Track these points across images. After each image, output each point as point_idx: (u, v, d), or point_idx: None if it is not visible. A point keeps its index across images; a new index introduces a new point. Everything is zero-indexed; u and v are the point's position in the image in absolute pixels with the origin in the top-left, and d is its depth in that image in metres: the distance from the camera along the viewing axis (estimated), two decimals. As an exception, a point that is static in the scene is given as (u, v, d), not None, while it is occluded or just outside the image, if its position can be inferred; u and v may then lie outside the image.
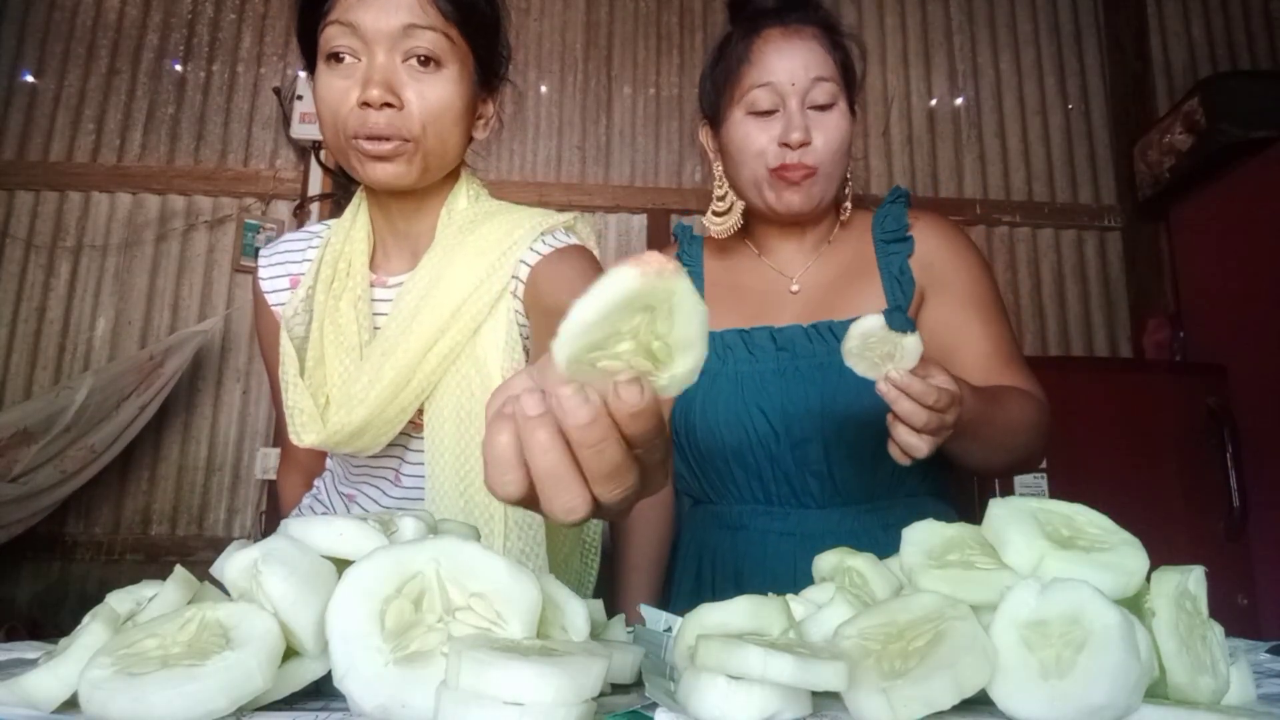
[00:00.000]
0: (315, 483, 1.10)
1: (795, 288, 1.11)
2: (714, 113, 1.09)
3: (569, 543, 0.99)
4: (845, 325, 0.99)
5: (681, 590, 1.13)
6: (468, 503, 0.87)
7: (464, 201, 0.94)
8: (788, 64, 1.01)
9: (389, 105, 0.82)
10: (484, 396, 0.86)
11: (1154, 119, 2.98)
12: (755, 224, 1.15)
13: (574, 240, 0.94)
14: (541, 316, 0.89)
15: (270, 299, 0.99)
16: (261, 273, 1.01)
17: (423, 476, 0.90)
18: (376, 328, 0.91)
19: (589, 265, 0.92)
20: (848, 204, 1.13)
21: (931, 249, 1.07)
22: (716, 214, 1.10)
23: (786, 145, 1.00)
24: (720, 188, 1.11)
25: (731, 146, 1.06)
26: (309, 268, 0.95)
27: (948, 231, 1.10)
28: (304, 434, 0.87)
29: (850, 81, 1.07)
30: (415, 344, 0.86)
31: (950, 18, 3.25)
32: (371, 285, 0.94)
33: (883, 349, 0.76)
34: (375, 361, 0.86)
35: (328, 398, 0.88)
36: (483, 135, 0.95)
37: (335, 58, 0.84)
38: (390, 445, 0.91)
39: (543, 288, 0.89)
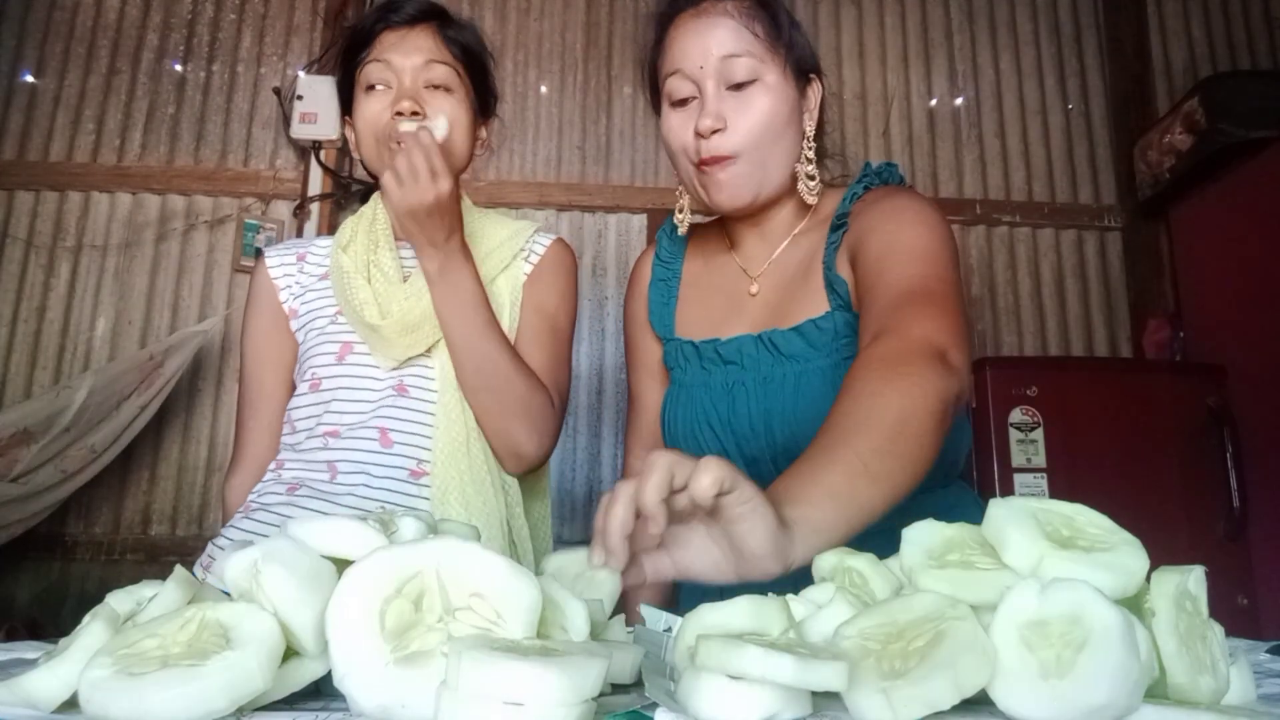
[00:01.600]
0: (279, 458, 1.11)
1: (754, 289, 1.06)
2: (656, 109, 1.05)
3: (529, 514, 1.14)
4: (787, 335, 0.98)
5: (685, 591, 1.13)
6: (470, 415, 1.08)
7: (468, 199, 1.20)
8: (695, 46, 0.95)
9: (416, 114, 1.06)
10: None
11: (1154, 119, 2.98)
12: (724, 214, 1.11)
13: (555, 236, 1.25)
14: (533, 296, 1.17)
15: (273, 272, 1.17)
16: (269, 255, 1.19)
17: (429, 390, 1.08)
18: (405, 272, 1.12)
19: (571, 262, 1.23)
20: (807, 185, 0.99)
21: (862, 223, 0.95)
22: (679, 210, 1.09)
23: (700, 135, 0.94)
24: (679, 182, 1.08)
25: (664, 141, 1.02)
26: (345, 228, 1.15)
27: (885, 199, 0.97)
28: (375, 318, 1.05)
29: (790, 48, 0.97)
30: None
31: (950, 18, 3.25)
32: (396, 244, 1.14)
33: (573, 573, 0.61)
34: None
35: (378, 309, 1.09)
36: (480, 155, 1.19)
37: (372, 88, 1.09)
38: (398, 367, 1.09)
39: (544, 278, 1.18)
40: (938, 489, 1.00)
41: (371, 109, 1.09)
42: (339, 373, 1.08)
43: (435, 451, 1.05)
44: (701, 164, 0.96)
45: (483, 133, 1.19)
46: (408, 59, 1.08)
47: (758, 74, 0.95)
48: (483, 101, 1.17)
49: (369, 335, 1.06)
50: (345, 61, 1.14)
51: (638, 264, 1.23)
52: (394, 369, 1.08)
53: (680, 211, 1.09)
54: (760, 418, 0.97)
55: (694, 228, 1.17)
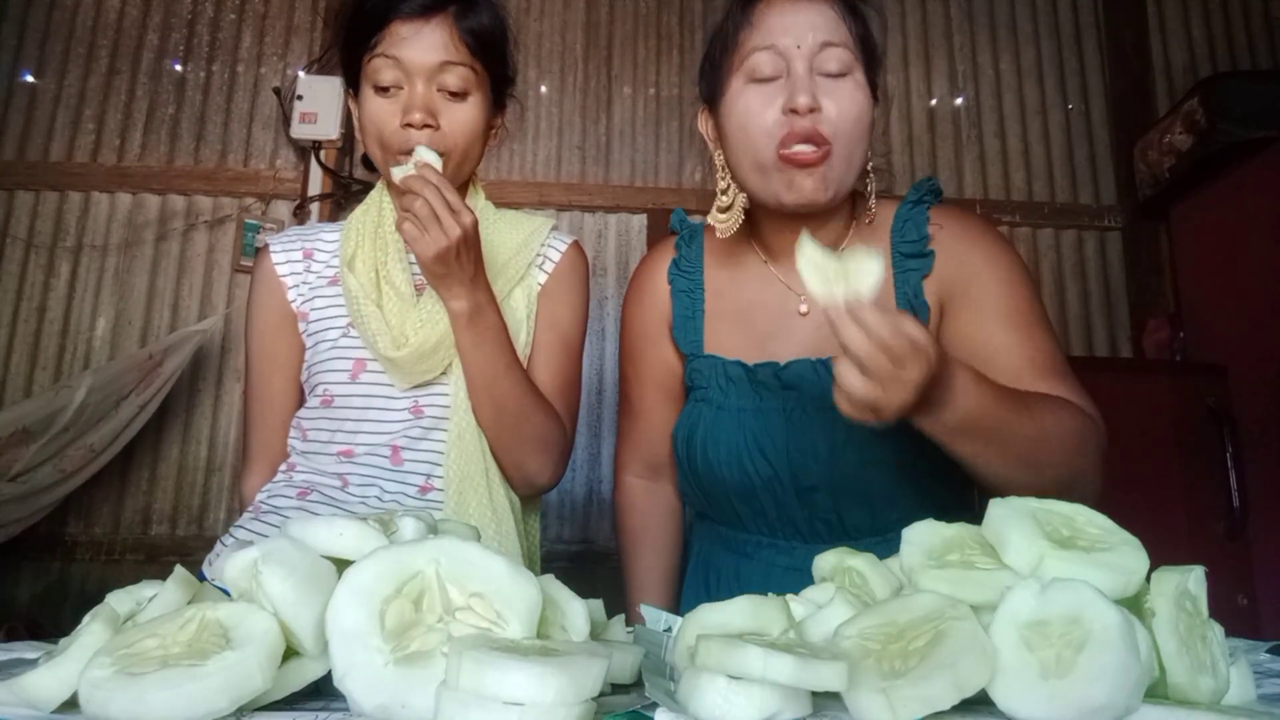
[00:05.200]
0: (290, 461, 1.09)
1: (804, 308, 0.99)
2: (712, 91, 0.98)
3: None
4: None
5: (693, 602, 1.10)
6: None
7: (481, 196, 1.16)
8: (793, 25, 0.90)
9: (428, 126, 1.00)
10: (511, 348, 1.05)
11: (1154, 119, 2.98)
12: (761, 220, 1.03)
13: (574, 238, 1.19)
14: (548, 310, 1.13)
15: (280, 269, 1.12)
16: (274, 248, 1.14)
17: (443, 408, 1.04)
18: (416, 282, 1.07)
19: (585, 271, 1.19)
20: (872, 203, 0.98)
21: (954, 262, 0.95)
22: (720, 210, 1.00)
23: (794, 111, 0.88)
24: (723, 179, 1.00)
25: (731, 123, 0.94)
26: (343, 235, 1.10)
27: (974, 236, 0.96)
28: (390, 350, 1.01)
29: (870, 57, 0.94)
30: None
31: (950, 18, 3.25)
32: (406, 251, 1.09)
33: (842, 265, 0.66)
34: (437, 298, 1.03)
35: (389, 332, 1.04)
36: (494, 144, 1.14)
37: (383, 89, 1.01)
38: (414, 387, 1.06)
39: (559, 291, 1.14)
40: (891, 538, 0.98)
41: (380, 112, 1.02)
42: (353, 392, 1.05)
43: (449, 471, 1.02)
44: (793, 152, 0.89)
45: (497, 121, 1.12)
46: (421, 57, 1.00)
47: (849, 68, 0.91)
48: (499, 91, 1.10)
49: (385, 362, 1.03)
50: (350, 42, 1.05)
51: (645, 271, 1.14)
52: (409, 389, 1.05)
53: (724, 211, 0.99)
54: (825, 446, 0.94)
55: (709, 237, 1.10)
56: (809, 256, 0.67)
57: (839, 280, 0.65)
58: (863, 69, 0.92)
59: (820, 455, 0.94)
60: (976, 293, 0.93)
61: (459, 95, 1.02)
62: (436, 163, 0.96)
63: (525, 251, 1.12)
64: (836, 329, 0.66)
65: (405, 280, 1.05)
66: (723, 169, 1.00)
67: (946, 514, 0.94)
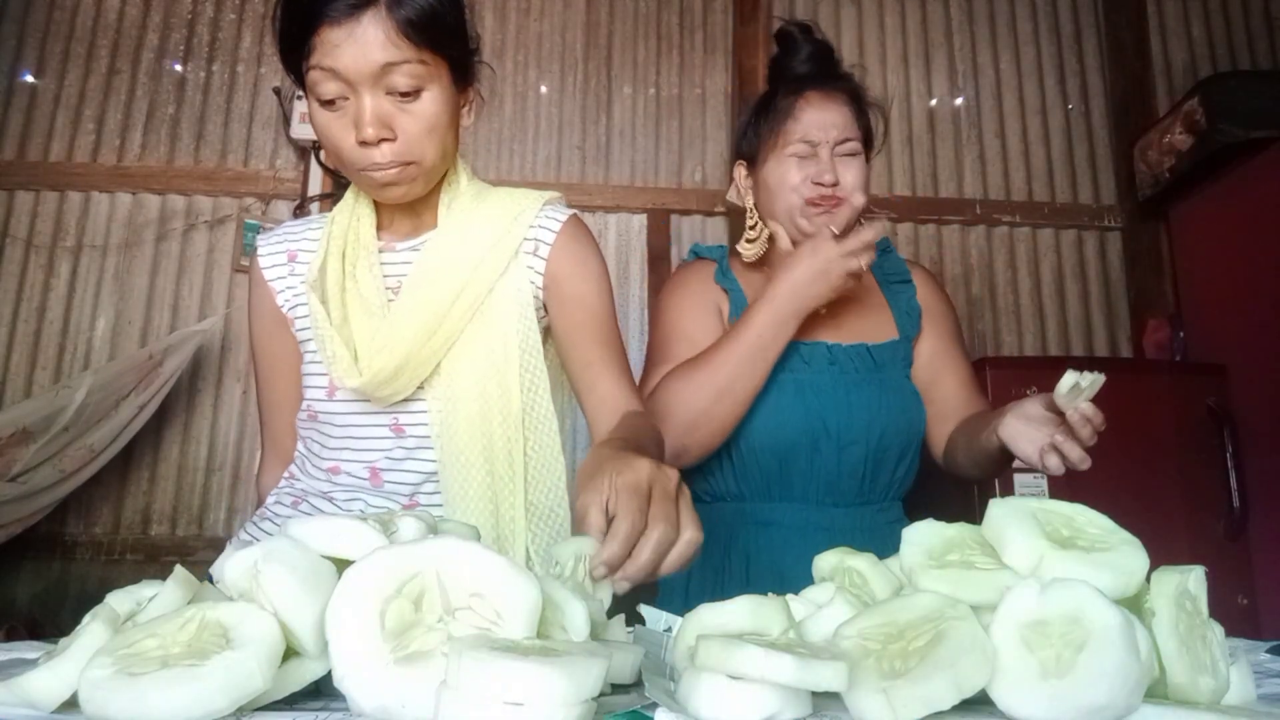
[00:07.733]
0: (291, 469, 1.10)
1: (823, 310, 1.30)
2: (753, 154, 1.35)
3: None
4: (879, 348, 1.31)
5: (705, 578, 1.24)
6: (488, 442, 0.99)
7: (464, 177, 1.06)
8: (824, 123, 1.29)
9: (385, 139, 0.91)
10: (498, 353, 1.00)
11: (1154, 119, 2.98)
12: (775, 258, 1.36)
13: (571, 210, 1.09)
14: (570, 296, 1.05)
15: (267, 274, 1.08)
16: (261, 250, 1.10)
17: (423, 425, 1.00)
18: (388, 288, 1.01)
19: (591, 240, 1.09)
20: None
21: (925, 293, 1.41)
22: (749, 240, 1.35)
23: (820, 184, 1.27)
24: (752, 217, 1.36)
25: (771, 180, 1.31)
26: (320, 239, 1.04)
27: (933, 281, 1.45)
28: (346, 379, 0.96)
29: (869, 141, 1.35)
30: (443, 293, 0.98)
31: (950, 18, 3.25)
32: (380, 251, 1.04)
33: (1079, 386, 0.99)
34: (406, 310, 0.98)
35: (355, 351, 0.98)
36: (470, 120, 1.03)
37: (327, 102, 0.91)
38: (391, 406, 1.01)
39: (574, 279, 1.05)
40: (887, 504, 1.31)
41: (330, 128, 0.92)
42: (332, 410, 1.02)
43: (448, 508, 0.98)
44: (816, 200, 1.28)
45: (469, 95, 1.02)
46: (360, 64, 0.87)
47: (858, 150, 1.31)
48: (462, 68, 0.98)
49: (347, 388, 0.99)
50: (284, 51, 0.93)
51: (692, 271, 1.40)
52: (388, 407, 1.00)
53: (751, 243, 1.35)
54: (863, 410, 1.27)
55: (733, 259, 1.42)
56: (1067, 383, 1.00)
57: (1076, 398, 1.00)
58: (864, 150, 1.33)
59: (859, 417, 1.27)
60: (938, 321, 1.39)
61: (411, 95, 0.91)
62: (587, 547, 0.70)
63: (509, 237, 1.01)
64: (1078, 429, 1.01)
65: (375, 289, 0.99)
66: (752, 211, 1.37)
67: (919, 481, 1.35)
